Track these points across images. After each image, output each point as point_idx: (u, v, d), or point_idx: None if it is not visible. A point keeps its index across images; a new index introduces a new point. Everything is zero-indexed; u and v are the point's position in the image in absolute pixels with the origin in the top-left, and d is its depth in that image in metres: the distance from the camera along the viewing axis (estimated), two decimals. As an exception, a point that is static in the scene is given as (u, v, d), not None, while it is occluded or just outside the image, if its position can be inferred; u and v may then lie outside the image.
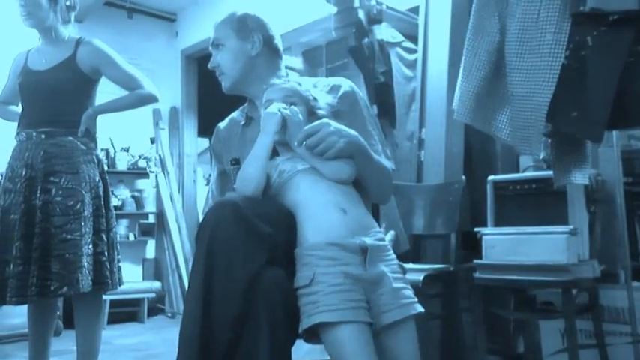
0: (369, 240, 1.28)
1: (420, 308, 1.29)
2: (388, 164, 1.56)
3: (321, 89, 1.58)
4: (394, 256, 1.36)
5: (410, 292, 1.31)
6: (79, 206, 2.14)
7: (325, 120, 1.37)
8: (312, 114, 1.46)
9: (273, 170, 1.39)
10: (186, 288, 1.37)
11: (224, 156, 1.74)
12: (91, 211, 2.18)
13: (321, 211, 1.30)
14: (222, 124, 1.79)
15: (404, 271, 1.37)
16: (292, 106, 1.42)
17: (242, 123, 1.71)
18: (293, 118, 1.39)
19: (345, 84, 1.64)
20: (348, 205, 1.33)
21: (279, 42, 1.73)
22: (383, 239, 1.35)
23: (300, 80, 1.57)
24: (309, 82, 1.61)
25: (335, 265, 1.24)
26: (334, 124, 1.36)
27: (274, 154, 1.43)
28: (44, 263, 2.06)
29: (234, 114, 1.80)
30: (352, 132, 1.39)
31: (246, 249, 1.22)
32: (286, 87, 1.48)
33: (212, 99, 5.30)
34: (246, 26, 1.67)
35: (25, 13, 2.24)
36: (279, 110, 1.39)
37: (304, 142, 1.36)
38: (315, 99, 1.48)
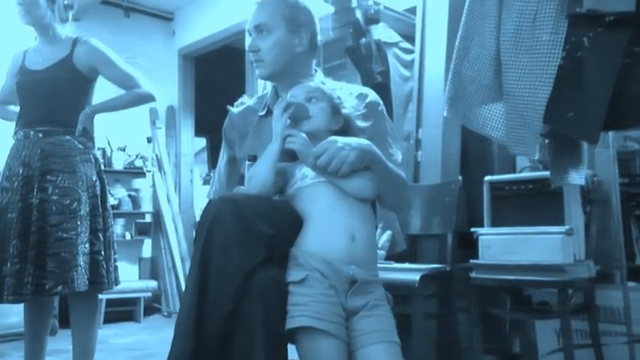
0: (361, 273, 1.28)
1: (395, 338, 1.28)
2: (404, 174, 1.56)
3: (349, 94, 1.57)
4: (381, 287, 1.35)
5: (389, 322, 1.30)
6: (75, 205, 2.13)
7: (332, 137, 1.35)
8: (336, 112, 1.43)
9: (297, 170, 1.38)
10: (184, 284, 1.38)
11: (236, 143, 1.72)
12: (87, 210, 2.17)
13: (330, 232, 1.30)
14: (235, 110, 1.76)
15: (390, 301, 1.37)
16: (302, 104, 1.39)
17: (261, 114, 1.69)
18: (301, 113, 1.38)
19: (372, 94, 1.64)
20: (359, 232, 1.32)
21: (318, 39, 1.70)
22: (376, 275, 1.35)
23: (324, 80, 1.54)
24: (334, 85, 1.58)
25: (324, 279, 1.25)
26: (341, 139, 1.34)
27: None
28: (40, 262, 2.06)
29: (250, 102, 1.77)
30: (363, 141, 1.38)
31: (242, 247, 1.22)
32: (309, 85, 1.46)
33: (209, 98, 5.32)
34: (297, 19, 1.61)
35: (22, 11, 2.24)
36: (284, 110, 1.38)
37: (317, 163, 1.33)
38: (339, 98, 1.46)
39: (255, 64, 1.64)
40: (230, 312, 1.20)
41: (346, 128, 1.44)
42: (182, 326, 1.22)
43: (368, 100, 1.60)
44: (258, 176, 1.36)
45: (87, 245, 2.14)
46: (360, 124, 1.44)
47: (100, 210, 2.23)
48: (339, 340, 1.21)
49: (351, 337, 1.25)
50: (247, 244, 1.23)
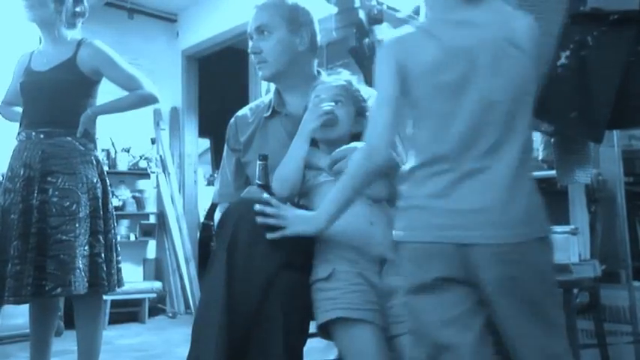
0: (389, 252, 1.28)
1: None
2: None
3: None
4: None
5: None
6: (74, 207, 2.12)
7: (353, 144, 1.36)
8: (360, 115, 1.44)
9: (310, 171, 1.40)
10: (200, 281, 1.38)
11: (242, 148, 1.72)
12: (87, 212, 2.16)
13: (349, 219, 1.30)
14: (240, 112, 1.77)
15: None
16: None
17: (266, 115, 1.69)
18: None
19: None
20: (377, 217, 1.33)
21: (319, 39, 1.71)
22: None
23: (350, 78, 1.55)
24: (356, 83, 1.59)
25: (353, 266, 1.25)
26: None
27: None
28: (40, 263, 2.06)
29: (255, 104, 1.78)
30: None
31: (264, 249, 1.23)
32: (337, 85, 1.47)
33: (213, 99, 5.34)
34: (297, 19, 1.64)
35: (27, 6, 2.24)
36: (322, 115, 1.40)
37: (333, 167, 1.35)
38: (365, 100, 1.46)
39: (258, 66, 1.66)
40: (252, 314, 1.21)
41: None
42: (208, 327, 1.21)
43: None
44: (287, 180, 1.38)
45: (86, 247, 2.13)
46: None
47: (101, 212, 2.22)
48: (374, 325, 1.22)
49: (394, 324, 1.25)
50: (269, 246, 1.24)
